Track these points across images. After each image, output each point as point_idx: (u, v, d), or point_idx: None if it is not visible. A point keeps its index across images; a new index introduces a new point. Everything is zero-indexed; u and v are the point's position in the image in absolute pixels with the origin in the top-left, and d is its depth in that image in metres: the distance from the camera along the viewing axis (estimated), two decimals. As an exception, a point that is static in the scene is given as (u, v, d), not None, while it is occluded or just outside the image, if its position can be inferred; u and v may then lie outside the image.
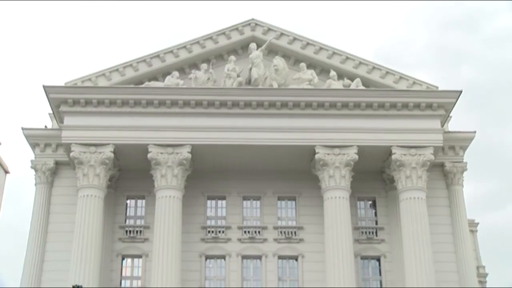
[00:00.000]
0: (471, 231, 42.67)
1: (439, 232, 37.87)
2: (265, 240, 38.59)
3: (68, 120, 37.43)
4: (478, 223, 45.89)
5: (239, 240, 38.60)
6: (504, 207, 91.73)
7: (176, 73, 38.56)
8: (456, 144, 39.68)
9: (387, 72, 38.70)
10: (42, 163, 39.16)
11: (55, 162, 39.28)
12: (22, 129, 39.41)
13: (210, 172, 39.36)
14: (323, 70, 39.36)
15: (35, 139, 39.74)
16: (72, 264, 34.66)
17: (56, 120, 39.03)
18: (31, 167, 39.61)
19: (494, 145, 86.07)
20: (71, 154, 36.78)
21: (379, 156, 38.16)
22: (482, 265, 44.85)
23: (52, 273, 36.70)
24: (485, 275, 44.28)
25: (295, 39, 39.39)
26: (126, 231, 38.66)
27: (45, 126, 41.27)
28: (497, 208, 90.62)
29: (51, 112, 39.47)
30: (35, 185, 39.31)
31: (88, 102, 37.28)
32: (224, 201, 39.77)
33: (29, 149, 40.41)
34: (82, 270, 34.26)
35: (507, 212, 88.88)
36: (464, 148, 39.88)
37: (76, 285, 20.09)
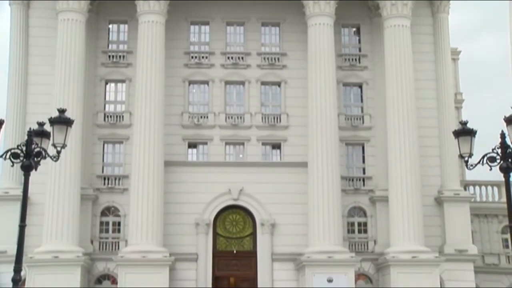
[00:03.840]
0: (453, 59, 42.93)
1: (422, 60, 38.16)
2: (248, 66, 38.70)
3: None
4: (460, 51, 46.14)
5: (222, 66, 38.68)
6: (486, 35, 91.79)
7: None
8: (445, -31, 38.80)
9: None
10: (12, -21, 37.61)
11: (29, -20, 37.83)
12: None
13: (193, -3, 38.50)
14: None
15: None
16: (56, 88, 34.81)
17: None
18: (2, -16, 38.22)
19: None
20: (48, -26, 35.53)
21: (365, -18, 37.36)
22: (460, 92, 45.71)
23: (37, 96, 36.87)
24: (462, 101, 45.33)
25: None
26: (109, 56, 38.46)
27: None
28: (479, 37, 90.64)
29: None
30: (10, 6, 38.18)
31: None
32: (207, 27, 39.33)
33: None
34: (66, 95, 34.47)
35: (489, 41, 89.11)
36: (452, -26, 39.08)
37: (60, 108, 20.30)
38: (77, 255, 32.89)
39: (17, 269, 19.06)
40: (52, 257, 32.31)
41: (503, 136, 19.82)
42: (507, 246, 38.88)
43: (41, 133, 19.13)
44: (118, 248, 35.35)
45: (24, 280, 30.73)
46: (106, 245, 36.12)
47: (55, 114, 19.79)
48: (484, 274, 38.01)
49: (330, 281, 32.97)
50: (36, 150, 18.58)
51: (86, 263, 33.58)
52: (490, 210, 39.62)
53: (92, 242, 35.92)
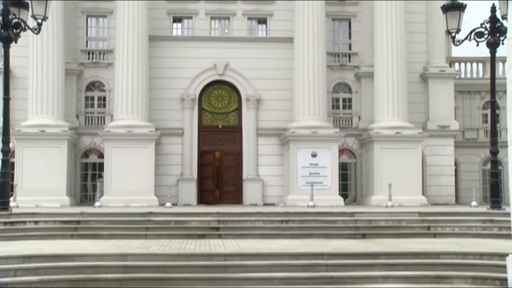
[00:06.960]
0: None
1: None
2: None
3: None
4: None
5: None
6: None
7: None
8: None
9: None
10: None
11: None
12: None
13: None
14: None
15: None
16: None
17: None
18: None
19: None
20: None
21: None
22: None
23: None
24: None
25: None
26: None
27: None
28: None
29: None
30: None
31: None
32: None
33: None
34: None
35: None
36: None
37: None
38: (63, 130, 33.03)
39: (5, 140, 19.27)
40: (39, 131, 32.47)
41: (493, 9, 19.48)
42: (486, 121, 39.56)
43: (18, 4, 18.59)
44: (104, 123, 35.50)
45: (13, 152, 31.03)
46: (91, 120, 36.24)
47: (34, -16, 19.19)
48: (462, 148, 38.93)
49: (314, 155, 33.56)
50: (14, 21, 18.14)
51: (72, 137, 33.81)
52: (474, 87, 39.91)
53: (77, 116, 35.99)
